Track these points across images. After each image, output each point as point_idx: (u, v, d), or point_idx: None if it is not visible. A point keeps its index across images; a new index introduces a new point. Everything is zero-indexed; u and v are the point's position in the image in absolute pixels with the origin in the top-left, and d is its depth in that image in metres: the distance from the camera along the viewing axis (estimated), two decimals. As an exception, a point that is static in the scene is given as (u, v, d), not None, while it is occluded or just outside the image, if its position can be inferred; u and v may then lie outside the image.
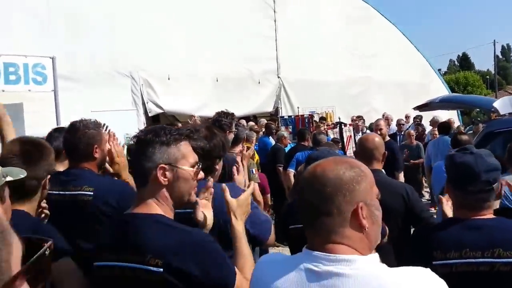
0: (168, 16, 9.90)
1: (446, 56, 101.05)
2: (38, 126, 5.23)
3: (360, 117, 10.57)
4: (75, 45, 8.38)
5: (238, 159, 4.05)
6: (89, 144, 2.33)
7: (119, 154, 2.43)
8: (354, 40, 13.76)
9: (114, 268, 1.48)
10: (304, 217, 1.22)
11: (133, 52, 9.37)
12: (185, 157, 1.54)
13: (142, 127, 8.88)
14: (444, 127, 7.98)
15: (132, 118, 9.35)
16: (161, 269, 1.39)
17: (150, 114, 9.84)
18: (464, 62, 65.84)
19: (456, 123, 13.77)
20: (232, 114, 4.15)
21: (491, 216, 1.78)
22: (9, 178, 1.42)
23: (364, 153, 2.93)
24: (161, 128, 1.58)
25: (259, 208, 2.22)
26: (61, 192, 2.24)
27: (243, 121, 9.86)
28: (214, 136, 2.14)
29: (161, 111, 10.06)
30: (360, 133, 9.14)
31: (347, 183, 1.14)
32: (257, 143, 7.66)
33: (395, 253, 2.44)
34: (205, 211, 1.74)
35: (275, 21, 12.24)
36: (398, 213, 2.66)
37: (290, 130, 10.19)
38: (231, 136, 4.16)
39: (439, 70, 31.04)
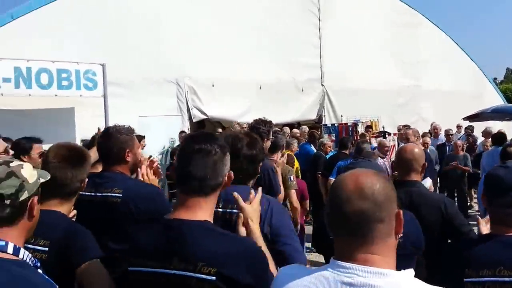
0: (213, 24, 10.09)
1: (503, 64, 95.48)
2: (88, 130, 5.47)
3: (406, 126, 10.25)
4: (124, 53, 8.72)
5: (274, 165, 4.07)
6: (121, 149, 2.42)
7: (153, 183, 2.48)
8: (401, 47, 13.38)
9: (158, 274, 1.43)
10: (342, 225, 1.17)
11: (179, 60, 9.62)
12: None
13: (187, 132, 9.09)
14: (497, 138, 7.62)
15: (177, 123, 9.62)
16: (214, 278, 1.37)
17: (194, 120, 10.05)
18: (523, 70, 62.06)
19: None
20: (270, 122, 4.11)
21: (529, 233, 1.68)
22: (41, 180, 1.50)
23: (401, 163, 2.83)
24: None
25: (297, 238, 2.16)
26: (92, 193, 2.34)
27: (287, 128, 9.87)
28: (257, 141, 2.22)
29: (205, 117, 10.25)
30: (404, 143, 8.88)
31: (391, 191, 1.19)
32: (298, 150, 7.65)
33: (428, 264, 2.36)
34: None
35: (319, 29, 12.17)
36: (434, 225, 2.56)
37: (333, 138, 10.07)
38: (268, 144, 4.16)
39: (495, 79, 29.48)
